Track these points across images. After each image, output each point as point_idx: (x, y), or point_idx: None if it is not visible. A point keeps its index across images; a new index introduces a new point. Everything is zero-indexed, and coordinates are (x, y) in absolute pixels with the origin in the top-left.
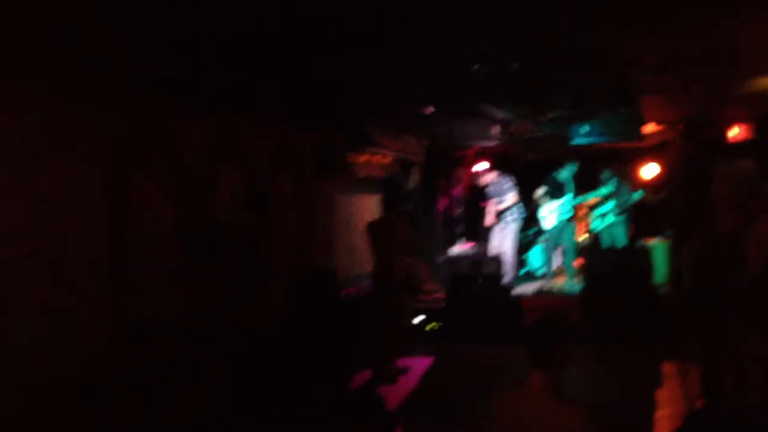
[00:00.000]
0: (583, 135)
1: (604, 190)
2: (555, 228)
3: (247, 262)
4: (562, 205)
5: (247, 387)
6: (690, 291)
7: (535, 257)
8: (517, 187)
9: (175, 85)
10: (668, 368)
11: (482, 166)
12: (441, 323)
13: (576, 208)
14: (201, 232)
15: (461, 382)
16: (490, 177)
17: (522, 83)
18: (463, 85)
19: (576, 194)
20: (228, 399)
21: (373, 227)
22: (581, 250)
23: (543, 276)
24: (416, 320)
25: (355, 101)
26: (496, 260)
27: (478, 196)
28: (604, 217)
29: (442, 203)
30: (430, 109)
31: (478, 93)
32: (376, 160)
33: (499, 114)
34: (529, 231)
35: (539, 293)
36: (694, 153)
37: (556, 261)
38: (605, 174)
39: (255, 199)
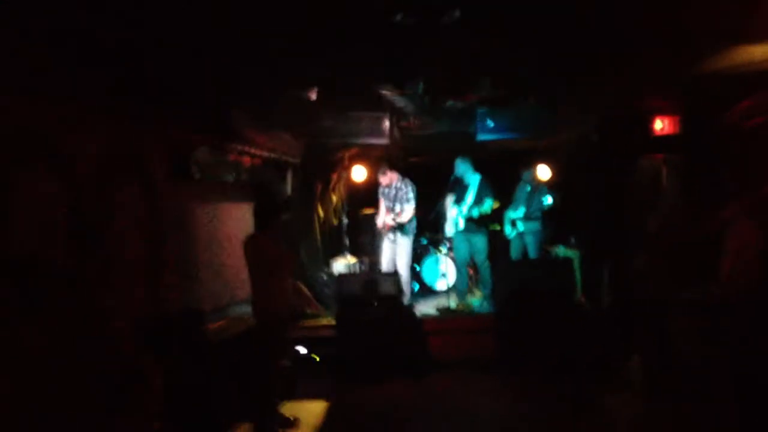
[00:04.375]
0: (488, 131)
1: (519, 194)
2: (459, 236)
3: (68, 312)
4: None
5: None
6: (614, 307)
7: (428, 271)
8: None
9: None
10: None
11: (362, 169)
12: (329, 355)
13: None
14: None
15: None
16: (389, 180)
17: (437, 53)
18: (358, 57)
19: (484, 198)
20: None
21: (247, 246)
22: (492, 263)
23: (448, 292)
24: (299, 353)
25: (215, 85)
26: (393, 278)
27: (359, 203)
28: (515, 224)
29: (320, 212)
30: (313, 94)
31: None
32: (245, 161)
33: (400, 101)
34: (422, 241)
35: (443, 313)
36: (612, 151)
37: (459, 275)
38: (525, 175)
39: (79, 222)
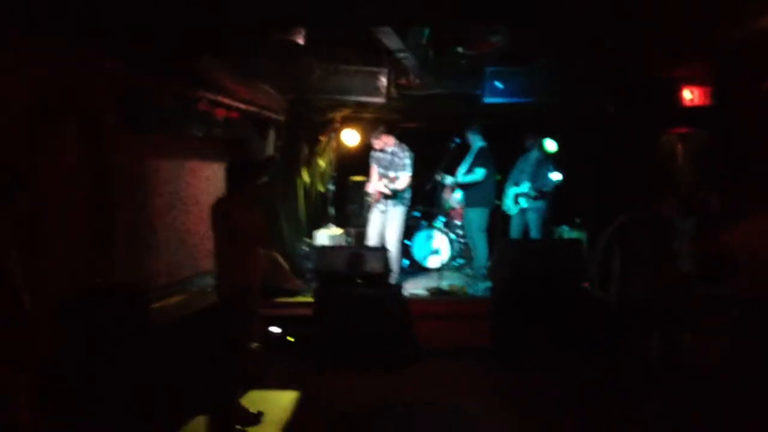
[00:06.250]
0: (497, 93)
1: (523, 167)
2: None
3: None
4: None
5: None
6: (622, 296)
7: (419, 247)
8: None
9: None
10: None
11: (354, 133)
12: (305, 337)
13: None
14: None
15: None
16: (385, 143)
17: None
18: None
19: (475, 168)
20: None
21: (215, 209)
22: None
23: (438, 269)
24: (272, 332)
25: (185, 20)
26: (381, 253)
27: (348, 170)
28: (518, 200)
29: (305, 177)
30: (300, 38)
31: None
32: (219, 113)
33: (401, 51)
34: (413, 213)
35: (434, 295)
36: (631, 124)
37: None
38: (529, 144)
39: None
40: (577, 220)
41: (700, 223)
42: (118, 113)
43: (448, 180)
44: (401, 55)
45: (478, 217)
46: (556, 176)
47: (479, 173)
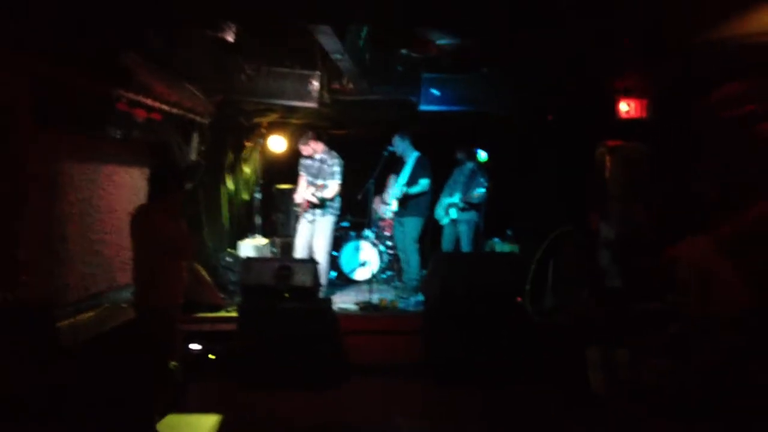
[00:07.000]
0: (433, 100)
1: (457, 177)
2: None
3: None
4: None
5: None
6: (556, 311)
7: (347, 258)
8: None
9: None
10: None
11: (282, 140)
12: (229, 353)
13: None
14: None
15: None
16: (314, 150)
17: None
18: None
19: (418, 178)
20: None
21: (136, 219)
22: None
23: (367, 282)
24: (192, 349)
25: (107, 13)
26: (311, 266)
27: (274, 177)
28: (449, 210)
29: (229, 184)
30: (230, 35)
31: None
32: (139, 114)
33: (336, 49)
34: (342, 223)
35: (366, 309)
36: (569, 135)
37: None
38: (460, 155)
39: None
40: (509, 232)
41: (626, 236)
42: (29, 110)
43: (398, 193)
44: (337, 57)
45: (414, 227)
46: (478, 191)
47: (424, 183)
